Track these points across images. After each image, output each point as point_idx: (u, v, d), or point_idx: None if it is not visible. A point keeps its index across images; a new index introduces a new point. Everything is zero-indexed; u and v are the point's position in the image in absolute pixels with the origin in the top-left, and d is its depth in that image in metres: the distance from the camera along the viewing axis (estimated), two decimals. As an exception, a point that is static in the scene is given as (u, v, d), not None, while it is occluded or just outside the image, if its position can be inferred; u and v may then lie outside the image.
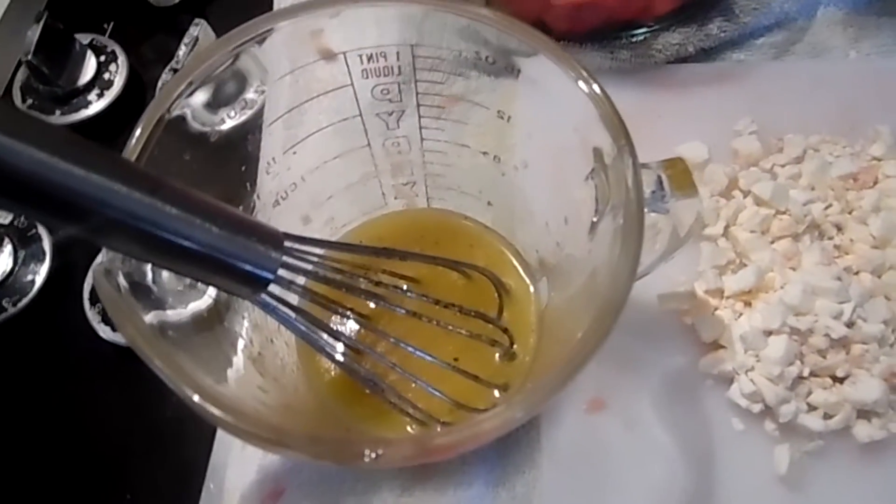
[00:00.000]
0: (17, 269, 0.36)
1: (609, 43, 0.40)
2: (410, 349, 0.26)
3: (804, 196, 0.35)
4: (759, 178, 0.35)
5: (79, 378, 0.35)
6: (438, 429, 0.28)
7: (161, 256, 0.20)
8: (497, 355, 0.30)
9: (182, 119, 0.24)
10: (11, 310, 0.35)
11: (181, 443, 0.33)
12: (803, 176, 0.36)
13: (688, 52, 0.40)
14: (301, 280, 0.25)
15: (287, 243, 0.23)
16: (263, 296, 0.22)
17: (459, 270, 0.30)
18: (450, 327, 0.28)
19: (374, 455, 0.17)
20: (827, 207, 0.35)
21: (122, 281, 0.20)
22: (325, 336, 0.27)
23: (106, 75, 0.42)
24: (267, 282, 0.22)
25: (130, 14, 0.46)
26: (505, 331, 0.29)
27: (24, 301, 0.35)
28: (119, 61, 0.42)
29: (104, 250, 0.21)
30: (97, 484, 0.33)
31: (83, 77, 0.41)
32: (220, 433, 0.33)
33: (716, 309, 0.33)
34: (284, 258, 0.22)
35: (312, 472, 0.32)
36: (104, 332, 0.34)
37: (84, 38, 0.43)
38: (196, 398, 0.17)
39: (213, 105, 0.29)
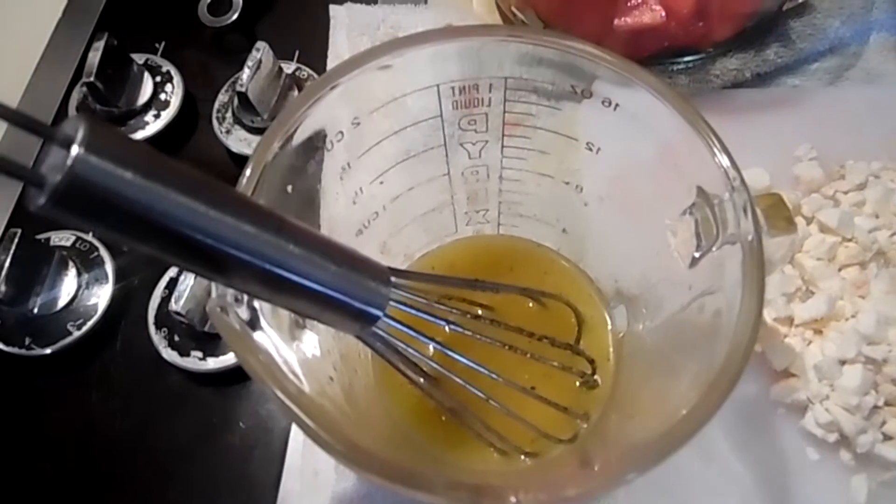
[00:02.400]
0: (80, 292, 0.36)
1: (667, 68, 0.40)
2: (493, 376, 0.26)
3: (869, 223, 0.35)
4: (822, 204, 0.36)
5: (145, 402, 0.35)
6: (522, 457, 0.28)
7: (278, 294, 0.20)
8: (577, 383, 0.30)
9: (283, 158, 0.24)
10: (76, 333, 0.35)
11: (250, 468, 0.33)
12: (867, 203, 0.36)
13: (744, 77, 0.41)
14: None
15: (393, 279, 0.23)
16: (372, 330, 0.22)
17: (539, 299, 0.30)
18: (529, 356, 0.28)
19: (517, 501, 0.17)
20: (892, 235, 0.35)
21: (240, 314, 0.20)
22: (410, 363, 0.27)
23: (162, 96, 0.42)
24: (377, 318, 0.22)
25: (182, 33, 0.46)
26: (591, 361, 0.29)
27: (89, 325, 0.35)
28: (174, 81, 0.42)
29: (214, 288, 0.21)
30: (164, 509, 0.33)
31: (141, 98, 0.41)
32: (289, 460, 0.33)
33: (785, 336, 0.33)
34: (393, 293, 0.22)
35: (385, 500, 0.32)
36: (170, 356, 0.34)
37: (139, 58, 0.43)
38: (336, 445, 0.17)
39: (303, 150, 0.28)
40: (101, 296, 0.36)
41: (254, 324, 0.21)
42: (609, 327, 0.31)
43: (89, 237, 0.38)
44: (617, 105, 0.25)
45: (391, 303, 0.22)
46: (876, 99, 0.41)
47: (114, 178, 0.15)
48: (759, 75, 0.41)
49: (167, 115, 0.41)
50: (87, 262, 0.36)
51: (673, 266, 0.25)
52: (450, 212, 0.32)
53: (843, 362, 0.31)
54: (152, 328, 0.35)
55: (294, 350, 0.22)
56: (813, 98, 0.41)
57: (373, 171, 0.27)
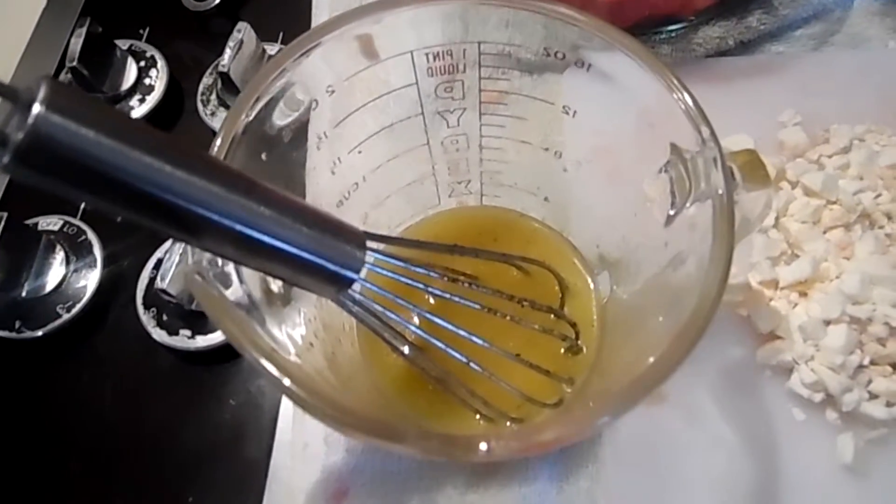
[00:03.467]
0: (69, 275, 0.36)
1: (649, 38, 0.40)
2: (478, 341, 0.26)
3: (854, 186, 0.35)
4: (806, 168, 0.36)
5: (135, 381, 0.35)
6: (508, 423, 0.28)
7: (251, 256, 0.20)
8: (562, 349, 0.30)
9: (257, 124, 0.24)
10: (66, 316, 0.35)
11: (241, 445, 0.33)
12: (852, 166, 0.36)
13: (728, 45, 0.40)
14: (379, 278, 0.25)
15: (368, 242, 0.23)
16: (347, 293, 0.22)
17: (522, 267, 0.30)
18: (515, 321, 0.28)
19: (488, 450, 0.17)
20: (877, 196, 0.35)
21: (215, 281, 0.20)
22: (394, 331, 0.27)
23: (147, 80, 0.42)
24: (351, 281, 0.22)
25: (165, 19, 0.46)
26: (573, 325, 0.29)
27: (78, 307, 0.35)
28: (159, 66, 0.42)
29: (190, 255, 0.21)
30: (158, 487, 0.33)
31: (125, 83, 0.41)
32: (279, 435, 0.33)
33: (771, 300, 0.33)
34: (368, 257, 0.22)
35: (376, 471, 0.32)
36: (159, 335, 0.34)
37: (123, 44, 0.43)
38: (325, 408, 0.17)
39: (278, 116, 0.29)
40: (89, 279, 0.36)
41: (230, 290, 0.21)
42: (593, 294, 0.32)
43: (77, 221, 0.38)
44: (590, 66, 0.25)
45: (368, 266, 0.23)
46: (860, 63, 0.40)
47: (76, 136, 0.15)
48: (742, 43, 0.41)
49: (152, 100, 0.41)
50: (75, 246, 0.37)
51: (650, 227, 0.25)
52: (432, 183, 0.32)
53: (827, 322, 0.31)
54: (141, 308, 0.35)
55: (272, 316, 0.22)
56: (797, 64, 0.41)
57: (351, 141, 0.28)
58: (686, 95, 0.22)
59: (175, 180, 0.17)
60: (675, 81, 0.22)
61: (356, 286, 0.23)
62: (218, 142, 0.22)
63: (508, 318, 0.27)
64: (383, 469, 0.32)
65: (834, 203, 0.35)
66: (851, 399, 0.30)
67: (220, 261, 0.22)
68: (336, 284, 0.22)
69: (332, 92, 0.26)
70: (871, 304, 0.31)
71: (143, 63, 0.42)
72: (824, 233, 0.34)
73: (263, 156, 0.24)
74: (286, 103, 0.25)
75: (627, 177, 0.26)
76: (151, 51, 0.43)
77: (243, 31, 0.38)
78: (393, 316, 0.25)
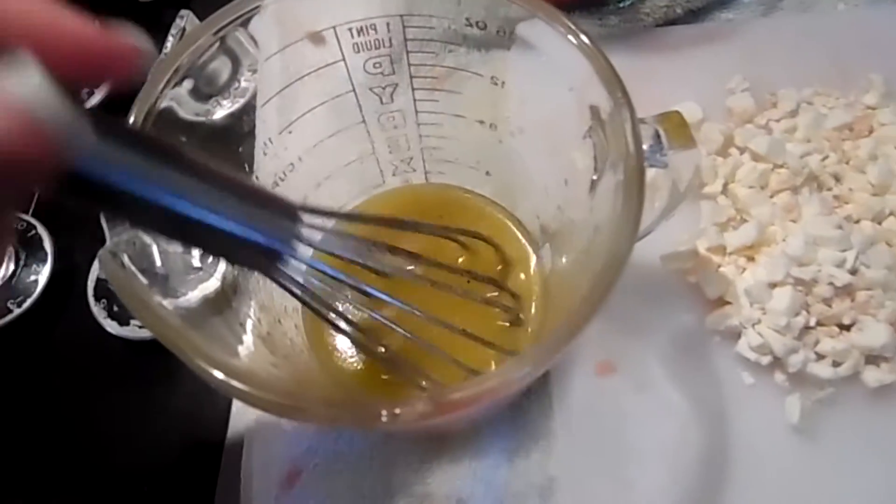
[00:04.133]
0: (19, 271, 0.36)
1: (597, 10, 0.40)
2: (419, 314, 0.26)
3: (801, 149, 0.35)
4: (754, 134, 0.36)
5: (88, 373, 0.35)
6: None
7: (179, 230, 0.20)
8: (506, 323, 0.30)
9: (172, 109, 0.24)
10: (16, 311, 0.35)
11: (194, 432, 0.33)
12: (799, 129, 0.36)
13: (676, 14, 0.40)
14: (309, 252, 0.24)
15: (301, 214, 0.22)
16: (276, 271, 0.22)
17: (464, 241, 0.30)
18: (458, 294, 0.28)
19: (391, 415, 0.17)
20: (824, 159, 0.35)
21: (128, 262, 0.20)
22: (335, 308, 0.27)
23: (94, 73, 0.41)
24: (281, 254, 0.22)
25: (115, 11, 0.45)
26: (514, 296, 0.29)
27: (29, 302, 0.35)
28: (107, 58, 0.42)
29: (108, 235, 0.21)
30: (113, 477, 0.33)
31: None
32: (233, 420, 0.33)
33: (719, 266, 0.33)
34: (299, 229, 0.22)
35: (328, 452, 0.32)
36: (111, 326, 0.34)
37: (70, 38, 0.42)
38: (208, 368, 0.18)
39: (202, 92, 0.29)
40: (41, 273, 0.36)
41: (147, 270, 0.21)
42: (534, 266, 0.31)
43: (27, 217, 0.38)
44: (512, 34, 0.25)
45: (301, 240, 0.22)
46: (809, 26, 0.40)
47: None
48: (692, 11, 0.41)
49: (101, 91, 0.41)
50: (25, 241, 0.37)
51: (580, 194, 0.25)
52: (373, 161, 0.32)
53: (772, 286, 0.32)
54: (91, 300, 0.35)
55: (193, 293, 0.22)
56: (746, 30, 0.41)
57: (279, 122, 0.27)
58: (600, 59, 0.22)
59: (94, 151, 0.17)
60: (589, 45, 0.22)
61: (298, 262, 0.23)
62: (130, 119, 0.22)
63: (451, 291, 0.27)
64: (336, 450, 0.32)
65: (781, 167, 0.35)
66: (797, 360, 0.30)
67: (136, 242, 0.22)
68: (267, 258, 0.22)
69: (254, 72, 0.26)
70: (816, 265, 0.31)
71: (90, 56, 0.42)
72: (771, 197, 0.34)
73: (183, 138, 0.24)
74: (202, 84, 0.25)
75: (558, 145, 0.26)
76: (99, 43, 0.42)
77: (185, 19, 0.38)
78: (327, 288, 0.24)
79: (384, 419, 0.17)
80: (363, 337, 0.28)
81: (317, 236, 0.24)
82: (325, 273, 0.26)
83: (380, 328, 0.29)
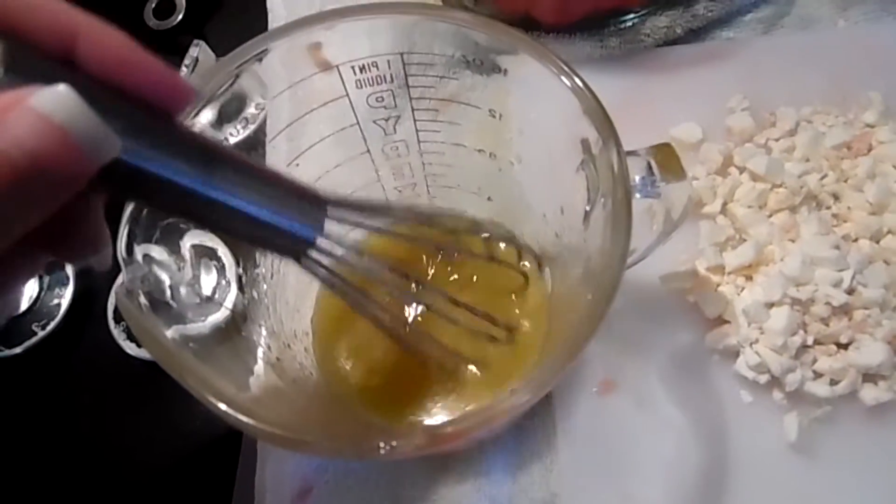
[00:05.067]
0: (42, 294, 0.38)
1: (598, 31, 0.41)
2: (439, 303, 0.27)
3: (799, 168, 0.35)
4: (753, 153, 0.36)
5: (108, 392, 0.36)
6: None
7: (213, 219, 0.21)
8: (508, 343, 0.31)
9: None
10: (41, 333, 0.37)
11: (211, 449, 0.35)
12: (797, 148, 0.36)
13: (676, 34, 0.41)
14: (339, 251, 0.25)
15: (329, 206, 0.23)
16: (310, 254, 0.23)
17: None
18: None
19: (388, 447, 0.18)
20: (822, 178, 0.35)
21: (142, 299, 0.22)
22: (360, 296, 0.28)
23: (113, 100, 0.43)
24: (311, 242, 0.23)
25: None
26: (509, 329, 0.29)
27: (52, 324, 0.37)
28: (124, 86, 0.43)
29: (124, 273, 0.22)
30: (133, 493, 0.34)
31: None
32: (245, 438, 0.35)
33: (718, 285, 0.34)
34: (328, 218, 0.23)
35: (338, 469, 0.33)
36: (130, 348, 0.36)
37: (89, 67, 0.44)
38: (215, 402, 0.19)
39: (217, 123, 0.30)
40: (63, 296, 0.38)
41: (160, 302, 0.22)
42: (538, 289, 0.32)
43: (50, 241, 0.39)
44: (506, 71, 0.26)
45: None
46: (810, 45, 0.41)
47: None
48: (692, 31, 0.42)
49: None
50: (48, 265, 0.38)
51: (575, 223, 0.26)
52: (378, 188, 0.33)
53: (770, 305, 0.32)
54: (111, 322, 0.36)
55: (204, 324, 0.23)
56: (747, 49, 0.41)
57: (288, 153, 0.29)
58: (587, 96, 0.23)
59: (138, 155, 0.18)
60: (577, 83, 0.23)
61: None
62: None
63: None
64: (346, 467, 0.33)
65: (779, 186, 0.35)
66: (794, 379, 0.31)
67: (150, 278, 0.23)
68: (296, 244, 0.22)
69: (262, 109, 0.27)
70: (813, 285, 0.32)
71: (108, 84, 0.43)
72: (770, 216, 0.35)
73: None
74: (220, 115, 0.27)
75: (555, 175, 0.27)
76: (117, 72, 0.44)
77: (199, 48, 0.39)
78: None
79: (382, 451, 0.18)
80: (383, 316, 0.29)
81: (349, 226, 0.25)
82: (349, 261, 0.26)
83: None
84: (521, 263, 0.32)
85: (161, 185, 0.18)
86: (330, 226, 0.23)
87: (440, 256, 0.29)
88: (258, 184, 0.21)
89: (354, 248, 0.26)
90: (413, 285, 0.29)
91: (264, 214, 0.21)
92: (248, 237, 0.22)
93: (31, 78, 0.16)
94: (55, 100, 0.16)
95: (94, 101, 0.16)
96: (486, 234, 0.30)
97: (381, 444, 0.18)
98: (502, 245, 0.32)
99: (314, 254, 0.23)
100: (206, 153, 0.20)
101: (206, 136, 0.23)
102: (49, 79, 0.16)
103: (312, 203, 0.23)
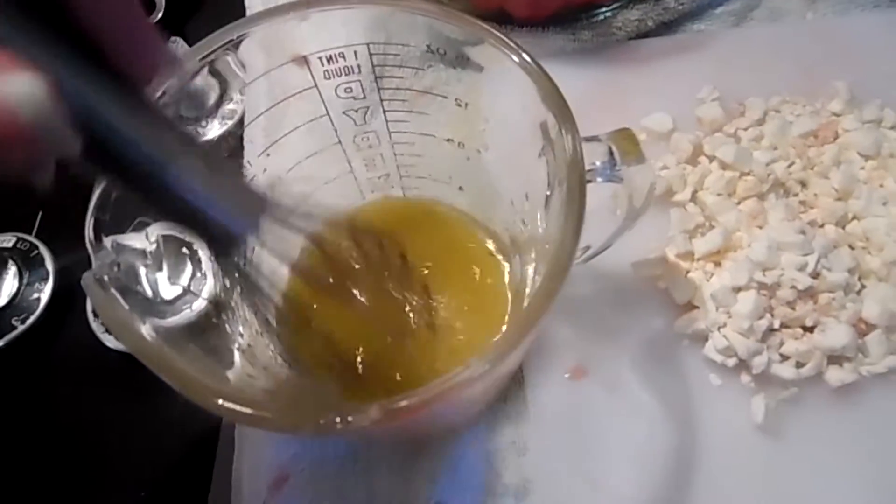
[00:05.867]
0: (22, 289, 0.38)
1: (570, 25, 0.42)
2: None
3: (767, 156, 0.36)
4: (722, 142, 0.37)
5: (87, 384, 0.37)
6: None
7: (152, 194, 0.20)
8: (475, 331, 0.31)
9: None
10: (20, 327, 0.37)
11: (190, 439, 0.35)
12: (765, 137, 0.37)
13: (647, 27, 0.42)
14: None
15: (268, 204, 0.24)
16: (233, 257, 0.23)
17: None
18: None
19: (344, 422, 0.18)
20: (790, 165, 0.36)
21: (113, 288, 0.22)
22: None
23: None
24: (242, 239, 0.23)
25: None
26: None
27: (32, 319, 0.37)
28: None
29: (93, 259, 0.23)
30: (112, 484, 0.35)
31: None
32: (224, 428, 0.35)
33: (687, 272, 0.35)
34: (263, 217, 0.23)
35: (315, 458, 0.33)
36: (109, 341, 0.36)
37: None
38: (178, 382, 0.19)
39: (193, 116, 0.31)
40: (43, 291, 0.38)
41: (132, 291, 0.23)
42: (508, 276, 0.33)
43: (31, 237, 0.40)
44: (468, 59, 0.26)
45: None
46: (779, 36, 0.41)
47: None
48: (664, 24, 0.42)
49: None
50: (28, 261, 0.39)
51: (538, 209, 0.27)
52: (351, 179, 0.34)
53: (737, 290, 0.33)
54: (91, 316, 0.37)
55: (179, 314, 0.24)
56: (717, 41, 0.42)
57: (257, 145, 0.29)
58: (544, 79, 0.23)
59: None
60: (532, 66, 0.23)
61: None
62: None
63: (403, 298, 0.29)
64: (322, 455, 0.33)
65: (748, 174, 0.36)
66: (761, 362, 0.31)
67: (120, 264, 0.23)
68: (228, 240, 0.23)
69: (231, 100, 0.27)
70: (780, 269, 0.32)
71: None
72: (738, 203, 0.35)
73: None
74: (194, 104, 0.27)
75: (519, 162, 0.28)
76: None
77: (177, 45, 0.39)
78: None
79: (338, 425, 0.18)
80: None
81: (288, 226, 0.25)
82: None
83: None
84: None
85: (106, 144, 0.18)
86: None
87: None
88: (206, 167, 0.21)
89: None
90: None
91: (206, 199, 0.21)
92: (182, 219, 0.22)
93: (13, 32, 0.16)
94: (27, 94, 0.16)
95: (65, 66, 0.17)
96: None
97: (338, 419, 0.18)
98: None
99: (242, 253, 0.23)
100: (159, 128, 0.20)
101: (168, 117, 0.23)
102: (29, 37, 0.16)
103: (253, 200, 0.23)
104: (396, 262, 0.31)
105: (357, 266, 0.28)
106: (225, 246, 0.23)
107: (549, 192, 0.25)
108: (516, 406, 0.33)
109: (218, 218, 0.22)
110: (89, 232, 0.23)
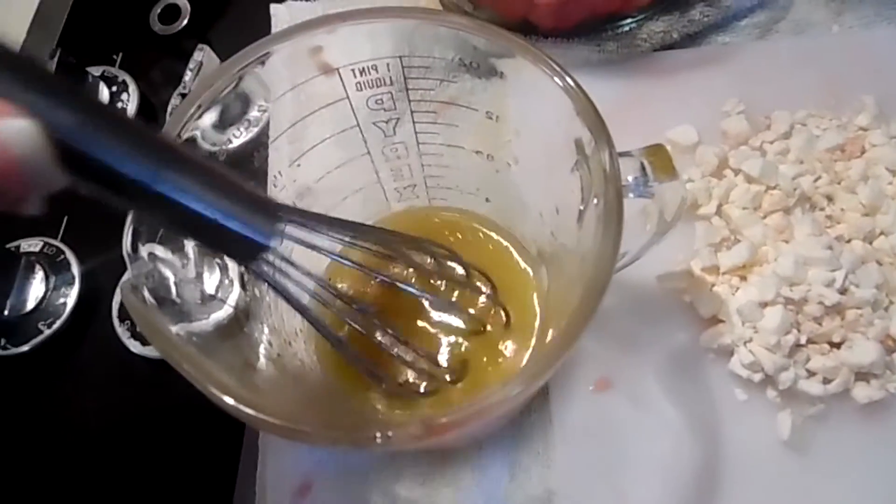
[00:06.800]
0: (49, 293, 0.38)
1: (595, 36, 0.41)
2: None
3: (793, 170, 0.36)
4: (748, 156, 0.37)
5: (113, 389, 0.37)
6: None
7: (168, 213, 0.21)
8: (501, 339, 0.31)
9: (193, 140, 0.26)
10: (47, 332, 0.37)
11: (214, 445, 0.35)
12: (791, 151, 0.37)
13: (672, 38, 0.41)
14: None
15: (285, 214, 0.24)
16: (260, 264, 0.24)
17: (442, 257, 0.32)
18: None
19: (384, 437, 0.18)
20: (816, 180, 0.36)
21: (147, 295, 0.22)
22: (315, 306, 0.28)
23: (119, 104, 0.44)
24: (264, 248, 0.23)
25: (137, 43, 0.48)
26: (503, 308, 0.30)
27: (58, 323, 0.38)
28: (130, 90, 0.44)
29: (129, 269, 0.23)
30: (137, 489, 0.35)
31: (98, 107, 0.43)
32: (247, 435, 0.35)
33: (713, 285, 0.34)
34: (281, 226, 0.24)
35: (339, 466, 0.33)
36: (134, 346, 0.36)
37: (95, 71, 0.45)
38: (218, 394, 0.19)
39: (221, 125, 0.31)
40: (69, 295, 0.38)
41: (164, 299, 0.23)
42: (535, 286, 0.33)
43: (56, 242, 0.40)
44: (502, 73, 0.27)
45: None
46: (804, 48, 0.41)
47: None
48: (688, 36, 0.42)
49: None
50: (55, 265, 0.39)
51: (569, 223, 0.27)
52: (378, 189, 0.34)
53: (763, 305, 0.33)
54: (116, 321, 0.37)
55: (207, 321, 0.24)
56: (742, 53, 0.42)
57: (290, 154, 0.29)
58: (580, 96, 0.23)
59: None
60: (570, 83, 0.23)
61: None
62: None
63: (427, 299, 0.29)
64: (346, 463, 0.33)
65: (774, 188, 0.36)
66: (787, 377, 0.31)
67: (155, 275, 0.24)
68: (249, 250, 0.23)
69: (265, 111, 0.27)
70: (807, 284, 0.32)
71: (114, 88, 0.44)
72: (764, 218, 0.35)
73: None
74: (223, 118, 0.27)
75: (550, 176, 0.28)
76: (123, 75, 0.45)
77: (203, 53, 0.40)
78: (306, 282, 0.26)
79: (378, 441, 0.18)
80: (351, 349, 0.30)
81: (308, 234, 0.26)
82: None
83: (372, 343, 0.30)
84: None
85: (105, 174, 0.19)
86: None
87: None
88: (213, 185, 0.21)
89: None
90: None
91: (215, 215, 0.21)
92: (199, 236, 0.23)
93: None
94: (19, 137, 0.17)
95: (49, 94, 0.17)
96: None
97: (378, 434, 0.18)
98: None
99: (269, 261, 0.24)
100: (156, 150, 0.20)
101: (164, 135, 0.24)
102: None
103: (268, 211, 0.23)
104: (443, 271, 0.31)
105: (394, 276, 0.29)
106: (243, 256, 0.24)
107: (582, 207, 0.25)
108: (541, 417, 0.33)
109: (227, 227, 0.22)
110: (126, 243, 0.23)
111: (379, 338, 0.28)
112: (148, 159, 0.20)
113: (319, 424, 0.19)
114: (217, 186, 0.22)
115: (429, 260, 0.31)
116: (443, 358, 0.28)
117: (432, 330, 0.29)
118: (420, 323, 0.27)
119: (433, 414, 0.19)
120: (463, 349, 0.31)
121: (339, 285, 0.31)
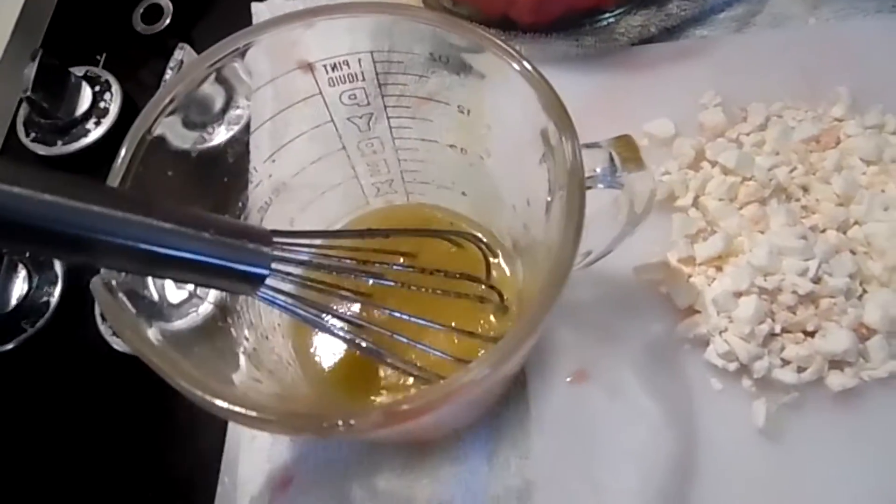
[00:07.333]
0: (31, 292, 0.38)
1: (574, 31, 0.42)
2: (406, 317, 0.28)
3: (769, 161, 0.36)
4: (724, 148, 0.37)
5: (97, 387, 0.37)
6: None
7: (160, 269, 0.22)
8: (491, 315, 0.32)
9: (163, 137, 0.26)
10: (30, 330, 0.38)
11: (196, 442, 0.36)
12: (767, 142, 0.37)
13: (650, 32, 0.42)
14: (297, 270, 0.26)
15: (276, 239, 0.24)
16: (263, 290, 0.24)
17: (445, 238, 0.32)
18: (440, 293, 0.30)
19: (346, 424, 0.19)
20: (792, 170, 0.36)
21: (121, 292, 0.22)
22: (325, 317, 0.29)
23: (101, 104, 0.44)
24: (263, 277, 0.24)
25: (120, 44, 0.48)
26: (492, 287, 0.30)
27: (41, 322, 0.38)
28: (113, 90, 0.45)
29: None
30: (120, 485, 0.35)
31: (80, 108, 0.43)
32: (230, 431, 0.35)
33: (689, 276, 0.35)
34: (276, 253, 0.24)
35: (318, 459, 0.34)
36: (118, 344, 0.37)
37: (79, 71, 0.45)
38: (187, 385, 0.19)
39: (200, 121, 0.31)
40: (52, 294, 0.39)
41: (139, 296, 0.23)
42: (510, 280, 0.33)
43: (40, 241, 0.40)
44: (471, 67, 0.27)
45: (279, 263, 0.24)
46: (781, 41, 0.41)
47: None
48: (667, 30, 0.42)
49: (108, 122, 0.44)
50: (38, 264, 0.39)
51: (539, 215, 0.27)
52: (355, 184, 0.34)
53: (738, 294, 0.33)
54: (99, 319, 0.37)
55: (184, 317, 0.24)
56: (720, 46, 0.42)
57: (263, 151, 0.29)
58: (543, 86, 0.24)
59: (72, 213, 0.19)
60: (533, 73, 0.24)
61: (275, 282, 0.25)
62: (122, 151, 0.24)
63: (431, 291, 0.29)
64: (326, 457, 0.34)
65: (749, 179, 0.36)
66: (762, 366, 0.32)
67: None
68: (249, 282, 0.24)
69: (238, 107, 0.28)
70: (781, 274, 0.33)
71: (97, 88, 0.44)
72: (740, 209, 0.36)
73: (170, 173, 0.26)
74: (199, 110, 0.27)
75: (521, 168, 0.28)
76: (106, 75, 0.45)
77: (183, 51, 0.40)
78: (316, 304, 0.26)
79: (341, 428, 0.19)
80: (354, 339, 0.30)
81: (299, 254, 0.26)
82: (310, 288, 0.28)
83: (368, 330, 0.31)
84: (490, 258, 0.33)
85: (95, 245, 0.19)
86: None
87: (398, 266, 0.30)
88: (198, 230, 0.22)
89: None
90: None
91: (209, 259, 0.22)
92: (196, 281, 0.23)
93: None
94: None
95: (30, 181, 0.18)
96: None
97: (340, 422, 0.19)
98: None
99: (270, 285, 0.24)
100: (144, 206, 0.20)
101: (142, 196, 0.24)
102: None
103: (258, 239, 0.24)
104: (403, 268, 0.31)
105: (362, 272, 0.29)
106: (245, 291, 0.24)
107: (549, 199, 0.25)
108: (518, 409, 0.34)
109: (226, 267, 0.23)
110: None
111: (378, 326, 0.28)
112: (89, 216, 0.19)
113: (284, 414, 0.19)
114: (200, 228, 0.22)
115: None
116: (432, 351, 0.28)
117: (423, 323, 0.29)
118: (411, 318, 0.27)
119: (395, 401, 0.19)
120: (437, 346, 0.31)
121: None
